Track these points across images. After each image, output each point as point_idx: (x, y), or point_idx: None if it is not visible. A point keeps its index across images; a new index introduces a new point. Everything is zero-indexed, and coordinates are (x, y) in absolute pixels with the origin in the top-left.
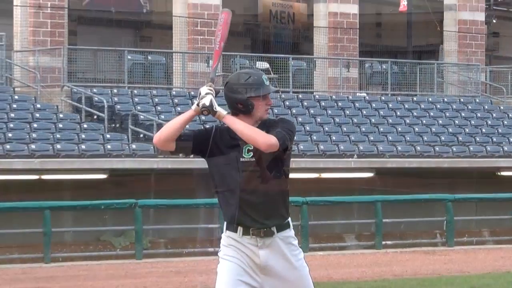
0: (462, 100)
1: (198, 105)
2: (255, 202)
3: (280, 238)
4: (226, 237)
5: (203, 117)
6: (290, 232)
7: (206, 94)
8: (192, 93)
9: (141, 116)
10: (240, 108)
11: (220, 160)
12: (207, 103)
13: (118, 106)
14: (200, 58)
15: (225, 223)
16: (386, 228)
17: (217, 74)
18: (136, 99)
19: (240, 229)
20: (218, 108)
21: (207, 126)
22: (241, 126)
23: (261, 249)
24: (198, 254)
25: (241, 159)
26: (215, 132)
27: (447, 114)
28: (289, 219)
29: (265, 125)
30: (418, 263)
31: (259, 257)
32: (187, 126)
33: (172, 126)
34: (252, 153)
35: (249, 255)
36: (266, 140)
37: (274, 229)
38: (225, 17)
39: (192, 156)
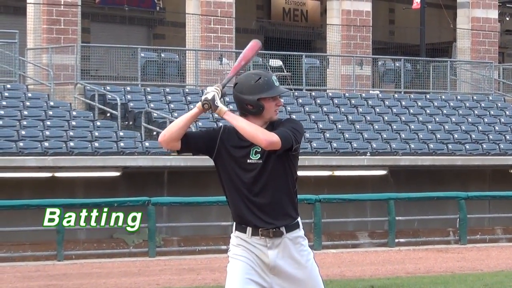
0: (475, 97)
1: (201, 101)
2: (263, 203)
3: (289, 238)
4: (235, 237)
5: (216, 115)
6: (300, 232)
7: (211, 91)
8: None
9: (154, 114)
10: (250, 109)
11: (227, 161)
12: (209, 97)
13: (131, 104)
14: (213, 56)
15: (234, 223)
16: (399, 226)
17: (228, 84)
18: (149, 97)
19: (249, 229)
20: (220, 104)
21: (216, 127)
22: (242, 123)
23: (270, 249)
24: (211, 252)
25: (248, 161)
26: (222, 132)
27: (460, 112)
28: (299, 219)
29: (273, 126)
30: (431, 261)
31: (268, 257)
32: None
33: (176, 124)
34: (259, 155)
35: (258, 255)
36: (267, 137)
37: (283, 229)
38: (253, 44)
39: (200, 155)
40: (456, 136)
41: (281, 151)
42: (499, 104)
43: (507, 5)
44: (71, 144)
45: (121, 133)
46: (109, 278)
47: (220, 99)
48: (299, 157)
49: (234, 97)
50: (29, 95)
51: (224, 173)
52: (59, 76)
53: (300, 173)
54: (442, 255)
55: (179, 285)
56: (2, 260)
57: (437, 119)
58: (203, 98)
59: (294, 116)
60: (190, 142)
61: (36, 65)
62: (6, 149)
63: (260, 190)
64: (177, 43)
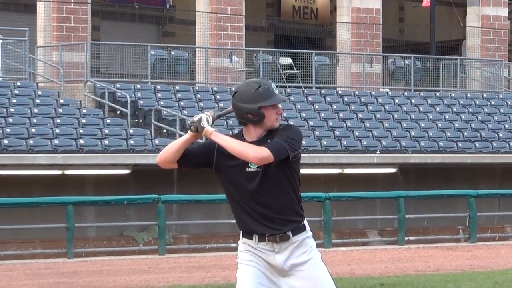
0: (485, 95)
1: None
2: (267, 211)
3: (296, 241)
4: (243, 243)
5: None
6: (307, 234)
7: (200, 115)
8: (215, 88)
9: (164, 112)
10: (251, 118)
11: (226, 172)
12: (195, 119)
13: (141, 102)
14: (223, 54)
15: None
16: (409, 224)
17: (219, 113)
18: (159, 95)
19: (255, 236)
20: (206, 125)
21: None
22: (231, 143)
23: (278, 254)
24: (221, 250)
25: (247, 169)
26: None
27: (470, 110)
28: (305, 221)
29: (271, 134)
30: (440, 259)
31: (276, 260)
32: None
33: (170, 149)
34: None
35: (266, 259)
36: (257, 154)
37: (289, 233)
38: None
39: (200, 169)
40: (466, 134)
41: (275, 163)
42: (509, 102)
43: None
44: (81, 141)
45: (131, 131)
46: (119, 275)
47: (211, 124)
48: (309, 155)
49: (234, 106)
50: (39, 92)
51: (226, 184)
52: (69, 73)
53: (309, 171)
54: (451, 253)
55: (188, 283)
56: (12, 257)
57: (447, 117)
58: (190, 121)
59: (304, 114)
60: (187, 161)
61: (46, 63)
62: (16, 147)
63: (263, 198)
64: (187, 41)
